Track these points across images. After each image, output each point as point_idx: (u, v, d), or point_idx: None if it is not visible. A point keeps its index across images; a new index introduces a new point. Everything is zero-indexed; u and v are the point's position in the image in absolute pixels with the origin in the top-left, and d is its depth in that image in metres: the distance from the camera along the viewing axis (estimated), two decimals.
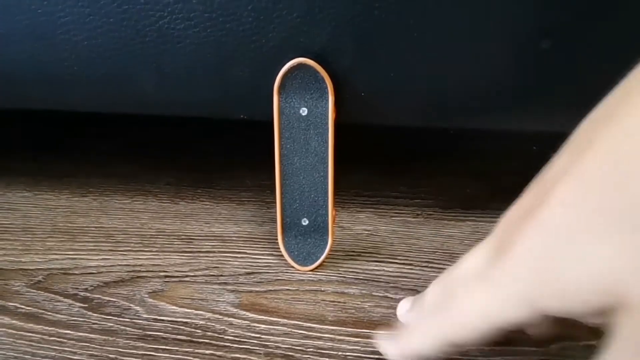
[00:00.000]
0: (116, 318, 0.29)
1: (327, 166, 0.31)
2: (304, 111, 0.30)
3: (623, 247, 0.14)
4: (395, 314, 0.29)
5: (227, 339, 0.27)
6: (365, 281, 0.32)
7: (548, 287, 0.16)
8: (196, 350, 0.26)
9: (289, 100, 0.30)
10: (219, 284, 0.32)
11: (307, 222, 0.32)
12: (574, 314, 0.16)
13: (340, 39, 0.28)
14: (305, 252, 0.33)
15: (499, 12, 0.27)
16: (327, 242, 0.32)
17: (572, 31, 0.28)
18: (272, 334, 0.28)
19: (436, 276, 0.25)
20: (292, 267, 0.33)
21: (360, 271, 0.33)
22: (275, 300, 0.30)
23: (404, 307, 0.27)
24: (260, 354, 0.26)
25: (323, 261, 0.33)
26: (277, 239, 0.33)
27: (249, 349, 0.27)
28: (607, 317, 0.15)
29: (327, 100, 0.29)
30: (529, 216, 0.17)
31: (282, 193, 0.32)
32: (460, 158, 0.49)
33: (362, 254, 0.35)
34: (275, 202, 0.32)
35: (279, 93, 0.29)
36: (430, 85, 0.31)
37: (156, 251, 0.35)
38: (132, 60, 0.30)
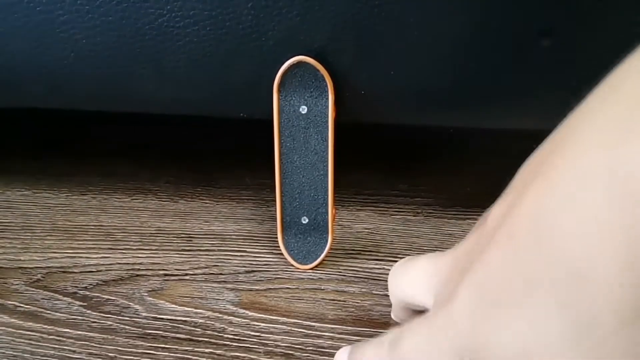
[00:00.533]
0: (115, 316, 0.29)
1: (327, 164, 0.31)
2: (303, 109, 0.30)
3: (532, 318, 0.14)
4: None
5: (227, 338, 0.27)
6: (365, 280, 0.32)
7: (475, 345, 0.16)
8: (195, 349, 0.26)
9: (289, 98, 0.30)
10: (219, 282, 0.32)
11: (307, 220, 0.32)
12: None
13: (340, 37, 0.28)
14: (305, 250, 0.33)
15: (499, 10, 0.27)
16: (327, 241, 0.32)
17: (570, 29, 0.28)
18: (271, 333, 0.28)
19: None
20: (292, 265, 0.33)
21: (360, 270, 0.33)
22: (275, 298, 0.30)
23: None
24: (260, 352, 0.26)
25: (323, 260, 0.33)
26: (276, 238, 0.33)
27: (248, 347, 0.27)
28: None
29: (327, 99, 0.29)
30: (467, 271, 0.17)
31: (282, 191, 0.31)
32: (461, 156, 0.49)
33: (362, 253, 0.34)
34: (275, 201, 0.32)
35: (279, 91, 0.29)
36: (431, 83, 0.31)
37: (155, 250, 0.35)
38: (132, 59, 0.30)
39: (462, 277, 0.17)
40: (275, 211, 0.32)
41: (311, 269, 0.33)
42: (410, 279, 0.23)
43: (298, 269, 0.33)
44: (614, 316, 0.13)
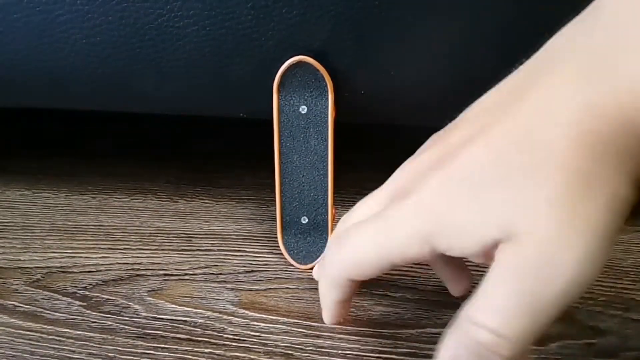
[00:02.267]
0: (115, 316, 0.29)
1: (327, 164, 0.31)
2: (303, 109, 0.30)
3: (514, 192, 0.17)
4: (394, 312, 0.29)
5: (227, 338, 0.27)
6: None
7: (446, 226, 0.18)
8: (195, 349, 0.26)
9: (289, 98, 0.29)
10: (219, 282, 0.32)
11: (306, 220, 0.32)
12: (466, 252, 0.18)
13: (340, 37, 0.28)
14: (304, 250, 0.33)
15: (501, 8, 0.27)
16: (326, 241, 0.32)
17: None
18: (271, 333, 0.28)
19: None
20: (292, 265, 0.33)
21: None
22: (275, 298, 0.30)
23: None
24: (260, 352, 0.26)
25: None
26: (276, 237, 0.33)
27: (248, 347, 0.27)
28: (491, 255, 0.17)
29: (327, 99, 0.29)
30: (436, 169, 0.19)
31: (281, 191, 0.31)
32: None
33: None
34: (274, 201, 0.32)
35: (279, 91, 0.29)
36: (430, 83, 0.31)
37: (155, 249, 0.35)
38: (131, 59, 0.30)
39: (428, 174, 0.19)
40: (275, 211, 0.32)
41: (311, 268, 0.33)
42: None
43: (298, 269, 0.33)
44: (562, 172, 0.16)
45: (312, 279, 0.32)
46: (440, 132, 0.22)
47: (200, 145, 0.54)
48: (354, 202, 0.25)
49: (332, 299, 0.24)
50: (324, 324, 0.28)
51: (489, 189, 0.17)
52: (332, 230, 0.32)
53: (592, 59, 0.17)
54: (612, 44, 0.17)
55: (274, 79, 0.29)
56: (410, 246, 0.19)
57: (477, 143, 0.18)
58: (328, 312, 0.25)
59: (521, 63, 0.20)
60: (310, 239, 0.33)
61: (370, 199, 0.23)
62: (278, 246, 0.33)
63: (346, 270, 0.22)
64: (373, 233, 0.20)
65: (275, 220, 0.32)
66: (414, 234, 0.19)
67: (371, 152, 0.51)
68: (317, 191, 0.31)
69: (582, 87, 0.17)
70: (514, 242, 0.16)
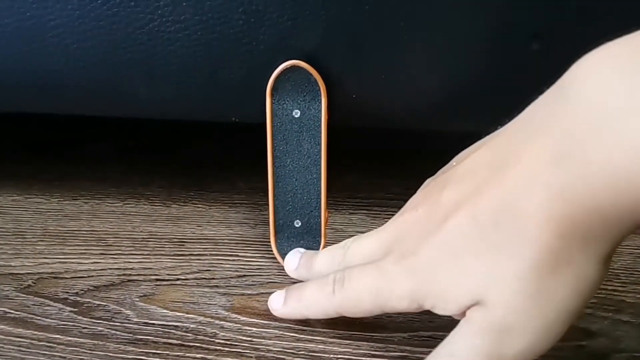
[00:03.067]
0: (106, 322, 0.28)
1: (320, 168, 0.31)
2: (296, 113, 0.30)
3: (489, 264, 0.19)
4: (386, 316, 0.29)
5: (218, 343, 0.27)
6: None
7: (432, 289, 0.21)
8: (187, 354, 0.26)
9: (282, 102, 0.30)
10: (211, 287, 0.32)
11: (299, 224, 0.32)
12: (447, 312, 0.21)
13: (332, 40, 0.28)
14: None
15: (491, 12, 0.28)
16: (319, 244, 0.32)
17: (563, 32, 0.28)
18: (263, 337, 0.28)
19: None
20: (285, 268, 0.33)
21: None
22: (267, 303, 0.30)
23: (292, 264, 0.31)
24: (252, 357, 0.26)
25: None
26: (269, 242, 0.33)
27: (240, 352, 0.26)
28: (464, 314, 0.21)
29: (320, 103, 0.29)
30: (428, 234, 0.22)
31: (274, 195, 0.31)
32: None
33: None
34: (267, 205, 0.32)
35: (272, 95, 0.29)
36: (422, 86, 0.31)
37: (147, 254, 0.35)
38: (123, 64, 0.30)
39: (421, 237, 0.22)
40: (268, 215, 0.32)
41: None
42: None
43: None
44: (548, 253, 0.18)
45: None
46: (432, 185, 0.25)
47: (192, 150, 0.54)
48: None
49: (312, 316, 0.28)
50: (317, 328, 0.28)
51: (469, 259, 0.20)
52: (325, 233, 0.32)
53: (565, 143, 0.18)
54: (580, 129, 0.17)
55: (266, 83, 0.29)
56: (401, 302, 0.22)
57: (464, 212, 0.20)
58: (299, 314, 0.28)
59: (507, 122, 0.22)
60: (303, 242, 0.32)
61: (373, 240, 0.26)
62: (271, 250, 0.33)
63: (341, 308, 0.25)
64: (371, 283, 0.23)
65: (268, 225, 0.32)
66: (405, 294, 0.22)
67: (364, 155, 0.51)
68: (310, 195, 0.31)
69: (557, 170, 0.18)
70: (484, 306, 0.19)
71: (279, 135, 0.30)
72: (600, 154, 0.17)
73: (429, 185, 0.25)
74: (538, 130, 0.19)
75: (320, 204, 0.31)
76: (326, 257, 0.29)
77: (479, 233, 0.20)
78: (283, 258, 0.33)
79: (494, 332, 0.19)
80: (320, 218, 0.32)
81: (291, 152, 0.31)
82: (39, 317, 0.29)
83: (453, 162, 0.25)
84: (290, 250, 0.32)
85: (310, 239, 0.32)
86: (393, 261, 0.23)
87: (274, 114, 0.30)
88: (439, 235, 0.21)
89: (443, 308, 0.21)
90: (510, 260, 0.19)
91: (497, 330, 0.19)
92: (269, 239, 0.33)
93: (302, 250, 0.32)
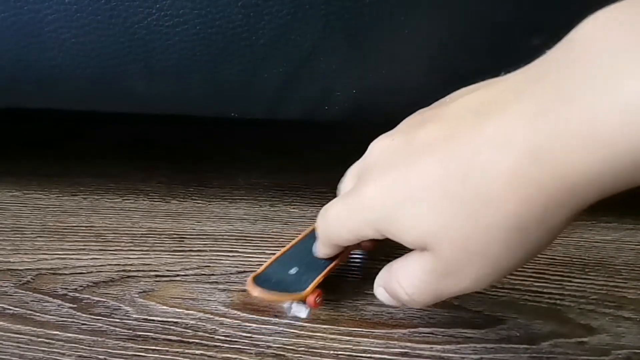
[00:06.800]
0: (106, 318, 0.28)
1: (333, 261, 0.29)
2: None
3: (446, 217, 0.20)
4: (387, 312, 0.29)
5: (218, 339, 0.27)
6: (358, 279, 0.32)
7: (391, 222, 0.22)
8: (186, 351, 0.26)
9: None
10: (210, 283, 0.31)
11: (296, 270, 0.29)
12: (403, 243, 0.23)
13: (331, 36, 0.28)
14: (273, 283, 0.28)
15: (490, 8, 0.27)
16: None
17: (563, 27, 0.28)
18: (263, 334, 0.27)
19: None
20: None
21: (352, 269, 0.33)
22: None
23: None
24: (252, 353, 0.26)
25: None
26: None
27: (240, 348, 0.26)
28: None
29: None
30: (397, 165, 0.22)
31: (283, 253, 0.30)
32: None
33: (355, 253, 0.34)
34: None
35: None
36: (421, 82, 0.31)
37: (147, 250, 0.35)
38: (121, 58, 0.30)
39: (390, 165, 0.23)
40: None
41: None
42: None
43: None
44: (503, 217, 0.19)
45: None
46: (418, 118, 0.25)
47: (192, 146, 0.53)
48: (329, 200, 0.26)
49: (326, 252, 0.29)
50: (317, 325, 0.28)
51: (431, 206, 0.21)
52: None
53: (550, 99, 0.17)
54: (571, 84, 0.17)
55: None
56: (365, 230, 0.24)
57: (435, 156, 0.21)
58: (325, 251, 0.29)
59: (515, 69, 0.21)
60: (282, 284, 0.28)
61: (354, 167, 0.28)
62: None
63: (329, 238, 0.27)
64: (342, 212, 0.25)
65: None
66: (367, 224, 0.24)
67: (363, 150, 0.51)
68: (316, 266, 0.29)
69: (535, 126, 0.17)
70: (436, 251, 0.21)
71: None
72: (584, 112, 0.16)
73: (416, 117, 0.25)
74: (530, 83, 0.19)
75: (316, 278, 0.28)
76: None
77: (444, 184, 0.20)
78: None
79: (441, 276, 0.22)
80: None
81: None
82: (38, 313, 0.29)
83: (447, 99, 0.24)
84: (267, 286, 0.28)
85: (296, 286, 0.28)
86: (360, 190, 0.24)
87: None
88: (405, 172, 0.22)
89: (399, 240, 0.23)
90: (467, 220, 0.19)
91: (443, 274, 0.22)
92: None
93: None
